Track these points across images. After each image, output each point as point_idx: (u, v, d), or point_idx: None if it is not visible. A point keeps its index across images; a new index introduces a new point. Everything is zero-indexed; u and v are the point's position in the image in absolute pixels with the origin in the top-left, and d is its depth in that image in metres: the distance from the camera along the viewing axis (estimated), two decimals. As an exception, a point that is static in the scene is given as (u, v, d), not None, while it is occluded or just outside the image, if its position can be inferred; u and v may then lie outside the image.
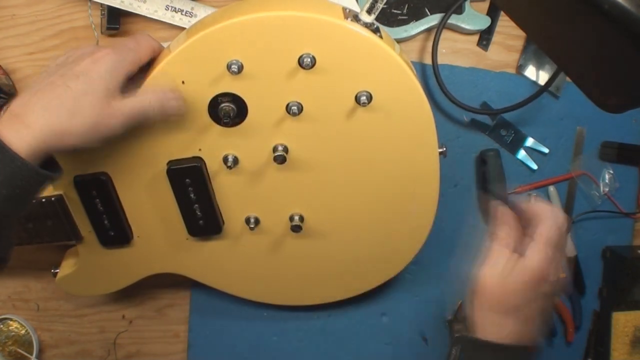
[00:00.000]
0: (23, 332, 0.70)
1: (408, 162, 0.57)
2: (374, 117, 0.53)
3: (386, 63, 0.52)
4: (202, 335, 0.72)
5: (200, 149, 0.55)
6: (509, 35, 0.72)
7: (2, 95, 0.64)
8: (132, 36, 0.52)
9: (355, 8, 0.65)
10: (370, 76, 0.52)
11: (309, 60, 0.49)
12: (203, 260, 0.62)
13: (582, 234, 0.74)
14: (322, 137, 0.55)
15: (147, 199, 0.57)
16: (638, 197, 0.74)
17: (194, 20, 0.66)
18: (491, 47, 0.72)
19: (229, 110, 0.52)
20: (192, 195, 0.57)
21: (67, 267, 0.63)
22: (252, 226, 0.58)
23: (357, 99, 0.52)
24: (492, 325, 0.48)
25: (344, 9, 0.52)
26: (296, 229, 0.58)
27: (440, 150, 0.57)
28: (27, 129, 0.42)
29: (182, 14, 0.66)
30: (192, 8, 0.66)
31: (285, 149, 0.54)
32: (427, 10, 0.70)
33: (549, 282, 0.47)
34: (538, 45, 0.59)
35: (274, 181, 0.57)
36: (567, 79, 0.71)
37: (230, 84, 0.52)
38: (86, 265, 0.61)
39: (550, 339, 0.74)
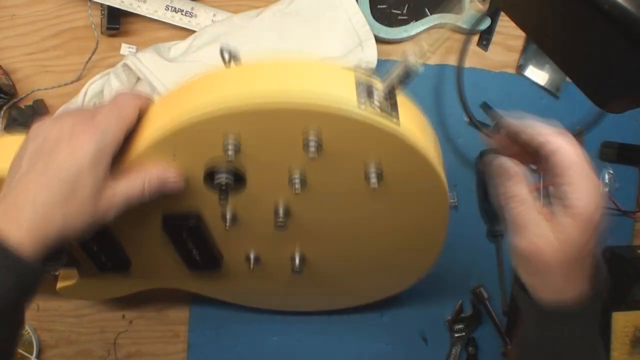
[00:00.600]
0: (23, 332, 0.70)
1: (416, 221, 0.53)
2: (383, 191, 0.48)
3: (401, 149, 0.45)
4: (202, 335, 0.72)
5: (197, 208, 0.52)
6: (509, 35, 0.72)
7: (2, 95, 0.64)
8: (113, 101, 0.44)
9: (355, 8, 0.65)
10: (383, 159, 0.45)
11: (313, 145, 0.43)
12: (203, 282, 0.63)
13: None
14: (327, 206, 0.51)
15: (144, 240, 0.55)
16: (638, 197, 0.74)
17: (194, 20, 0.66)
18: (491, 47, 0.72)
19: (225, 186, 0.47)
20: (189, 243, 0.54)
21: (66, 277, 0.63)
22: (252, 264, 0.57)
23: (366, 177, 0.46)
24: (558, 285, 0.42)
25: (357, 83, 0.44)
26: (297, 270, 0.56)
27: (452, 202, 0.52)
28: (25, 233, 0.39)
29: (182, 14, 0.66)
30: (192, 8, 0.66)
31: (287, 212, 0.50)
32: (427, 10, 0.70)
33: (600, 222, 0.41)
34: (538, 46, 0.59)
35: (274, 233, 0.53)
36: (567, 79, 0.71)
37: (226, 163, 0.46)
38: (85, 281, 0.61)
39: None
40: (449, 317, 0.73)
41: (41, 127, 0.43)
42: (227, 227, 0.50)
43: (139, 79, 0.62)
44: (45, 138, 0.42)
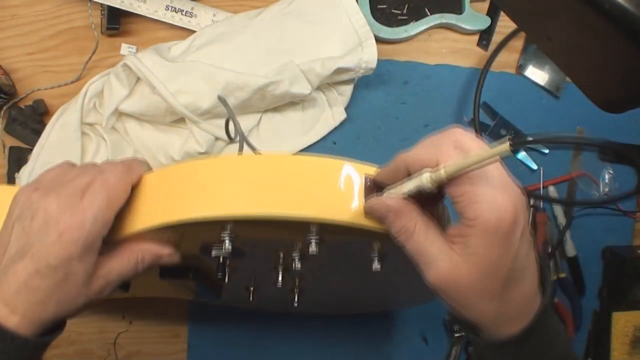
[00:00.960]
0: None
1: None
2: (385, 266, 0.45)
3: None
4: (202, 335, 0.72)
5: (195, 264, 0.51)
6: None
7: (2, 95, 0.64)
8: (102, 180, 0.41)
9: (355, 8, 0.65)
10: (386, 245, 0.43)
11: (315, 245, 0.41)
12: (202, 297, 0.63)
13: (582, 234, 0.74)
14: (327, 270, 0.50)
15: (144, 277, 0.55)
16: (638, 197, 0.74)
17: (193, 21, 0.66)
18: (491, 47, 0.72)
19: (222, 261, 0.45)
20: (187, 284, 0.54)
21: None
22: (251, 296, 0.57)
23: (368, 260, 0.45)
24: (492, 310, 0.37)
25: (364, 181, 0.40)
26: (297, 305, 0.56)
27: None
28: (20, 318, 0.39)
29: (182, 14, 0.66)
30: (192, 8, 0.66)
31: (287, 275, 0.49)
32: (427, 10, 0.70)
33: (519, 221, 0.35)
34: (538, 46, 0.60)
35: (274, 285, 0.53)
36: (567, 79, 0.71)
37: (222, 248, 0.43)
38: None
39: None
40: (449, 317, 0.73)
41: (27, 202, 0.41)
42: (226, 282, 0.48)
43: (139, 79, 0.62)
44: (32, 217, 0.40)
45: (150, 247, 0.43)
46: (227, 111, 0.51)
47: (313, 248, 0.41)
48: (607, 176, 0.73)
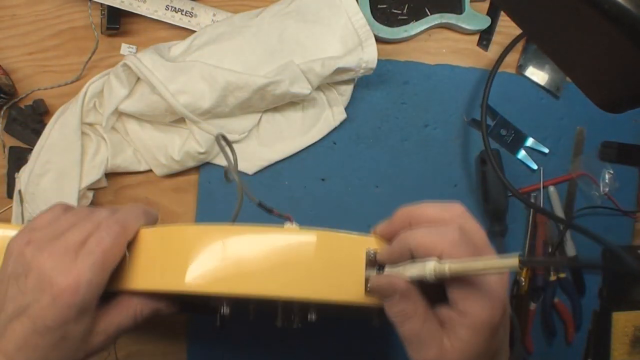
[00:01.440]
0: None
1: None
2: None
3: None
4: (202, 336, 0.72)
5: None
6: (509, 35, 0.72)
7: (2, 95, 0.64)
8: (98, 242, 0.40)
9: (355, 8, 0.65)
10: None
11: (314, 315, 0.42)
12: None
13: (582, 234, 0.74)
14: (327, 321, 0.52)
15: None
16: (638, 197, 0.74)
17: (193, 20, 0.66)
18: (491, 47, 0.72)
19: (223, 316, 0.45)
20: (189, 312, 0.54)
21: None
22: (251, 316, 0.57)
23: (368, 320, 0.45)
24: None
25: (367, 261, 0.40)
26: (297, 327, 0.56)
27: None
28: None
29: (182, 14, 0.66)
30: (192, 8, 0.66)
31: (284, 322, 0.49)
32: (427, 10, 0.70)
33: (506, 311, 0.38)
34: (538, 46, 0.59)
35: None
36: (567, 79, 0.71)
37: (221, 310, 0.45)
38: None
39: (551, 338, 0.74)
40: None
41: (20, 258, 0.40)
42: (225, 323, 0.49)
43: (138, 79, 0.62)
44: (25, 275, 0.39)
45: (148, 302, 0.44)
46: (224, 155, 0.47)
47: (312, 317, 0.42)
48: (607, 176, 0.73)
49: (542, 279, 0.72)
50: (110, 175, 0.67)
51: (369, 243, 0.41)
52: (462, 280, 0.36)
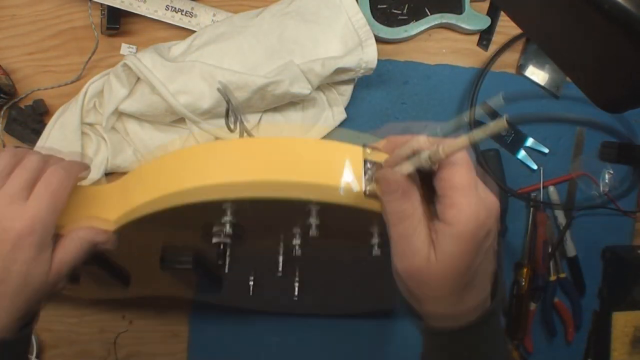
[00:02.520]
0: None
1: None
2: (385, 251, 0.45)
3: None
4: (202, 335, 0.72)
5: (196, 250, 0.51)
6: (509, 35, 0.72)
7: (2, 95, 0.64)
8: (46, 184, 0.42)
9: (355, 8, 0.65)
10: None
11: (314, 227, 0.41)
12: (203, 295, 0.63)
13: (582, 234, 0.74)
14: (328, 255, 0.50)
15: (145, 268, 0.55)
16: (638, 197, 0.74)
17: (194, 20, 0.66)
18: (491, 47, 0.72)
19: (223, 247, 0.45)
20: (187, 277, 0.54)
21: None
22: (251, 290, 0.57)
23: (368, 245, 0.45)
24: (448, 308, 0.39)
25: (365, 163, 0.40)
26: (296, 298, 0.56)
27: None
28: None
29: (182, 14, 0.66)
30: (192, 8, 0.66)
31: (287, 263, 0.49)
32: (427, 10, 0.70)
33: (491, 232, 0.38)
34: (538, 45, 0.59)
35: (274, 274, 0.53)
36: (567, 79, 0.71)
37: (223, 231, 0.44)
38: (84, 287, 0.61)
39: (551, 339, 0.74)
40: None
41: None
42: (226, 271, 0.48)
43: (138, 79, 0.62)
44: None
45: (85, 233, 0.44)
46: (225, 100, 0.50)
47: (313, 230, 0.41)
48: (607, 176, 0.73)
49: (542, 279, 0.72)
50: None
51: (366, 151, 0.41)
52: (451, 189, 0.36)
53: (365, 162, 0.40)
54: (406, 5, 0.69)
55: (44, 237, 0.41)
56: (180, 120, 0.65)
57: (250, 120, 0.67)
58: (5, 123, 0.65)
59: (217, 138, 0.64)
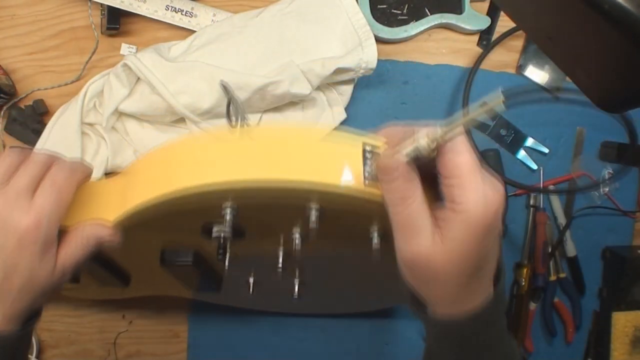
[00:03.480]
0: None
1: None
2: (385, 244, 0.45)
3: None
4: (202, 335, 0.72)
5: (196, 247, 0.51)
6: (509, 35, 0.72)
7: (2, 95, 0.64)
8: (52, 183, 0.42)
9: (355, 8, 0.65)
10: (387, 222, 0.41)
11: (315, 218, 0.41)
12: (203, 295, 0.63)
13: (582, 234, 0.74)
14: (328, 251, 0.49)
15: (145, 267, 0.55)
16: (638, 197, 0.74)
17: (194, 20, 0.66)
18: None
19: (223, 240, 0.44)
20: (187, 275, 0.54)
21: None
22: (251, 289, 0.56)
23: (368, 238, 0.44)
24: (454, 294, 0.38)
25: (364, 152, 0.40)
26: (296, 297, 0.56)
27: None
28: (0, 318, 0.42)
29: (182, 14, 0.66)
30: (192, 8, 0.66)
31: (287, 258, 0.49)
32: (427, 10, 0.70)
33: (499, 215, 0.37)
34: (538, 45, 0.60)
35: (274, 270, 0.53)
36: (567, 79, 0.71)
37: (223, 224, 0.43)
38: (85, 286, 0.61)
39: (551, 339, 0.74)
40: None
41: None
42: (226, 267, 0.48)
43: (138, 79, 0.62)
44: None
45: (91, 230, 0.45)
46: (227, 96, 0.50)
47: (313, 222, 0.40)
48: (607, 176, 0.73)
49: (542, 279, 0.72)
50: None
51: (365, 139, 0.41)
52: (459, 174, 0.36)
53: (364, 152, 0.40)
54: (406, 5, 0.69)
55: (50, 233, 0.41)
56: (180, 120, 0.65)
57: (251, 120, 0.67)
58: (5, 123, 0.65)
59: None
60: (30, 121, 0.65)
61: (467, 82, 0.70)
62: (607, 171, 0.73)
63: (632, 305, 0.72)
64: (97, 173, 0.64)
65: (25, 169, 0.43)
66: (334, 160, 0.40)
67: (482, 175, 0.36)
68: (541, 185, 0.72)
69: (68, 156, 0.61)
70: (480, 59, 0.70)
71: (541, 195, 0.72)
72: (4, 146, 0.65)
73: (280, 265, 0.49)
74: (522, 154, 0.72)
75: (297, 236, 0.45)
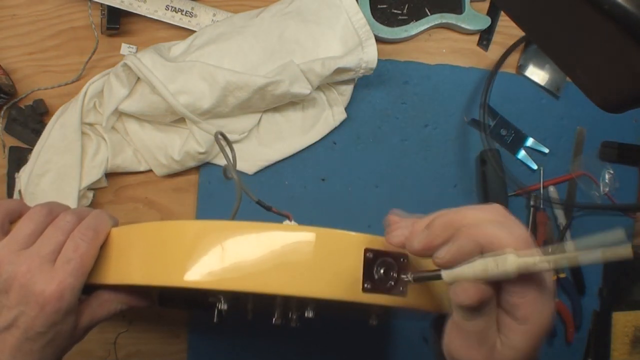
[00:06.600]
0: None
1: None
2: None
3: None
4: (202, 335, 0.72)
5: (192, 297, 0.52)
6: (509, 35, 0.72)
7: (2, 95, 0.64)
8: (75, 248, 0.42)
9: (355, 8, 0.65)
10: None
11: (312, 313, 0.42)
12: None
13: (582, 234, 0.73)
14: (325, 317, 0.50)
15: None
16: (638, 197, 0.74)
17: (194, 20, 0.66)
18: (491, 47, 0.72)
19: (221, 311, 0.46)
20: (185, 310, 0.55)
21: None
22: (249, 315, 0.56)
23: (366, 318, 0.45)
24: None
25: (366, 258, 0.39)
26: (294, 325, 0.56)
27: None
28: None
29: (182, 14, 0.66)
30: (192, 8, 0.66)
31: (282, 320, 0.49)
32: (427, 10, 0.70)
33: (549, 330, 0.37)
34: (538, 45, 0.60)
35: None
36: (567, 79, 0.72)
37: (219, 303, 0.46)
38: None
39: (551, 339, 0.74)
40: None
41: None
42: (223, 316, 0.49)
43: (139, 79, 0.62)
44: (7, 290, 0.41)
45: (125, 298, 0.47)
46: (222, 151, 0.48)
47: (310, 314, 0.42)
48: (607, 176, 0.73)
49: (542, 279, 0.72)
50: (110, 175, 0.67)
51: (368, 241, 0.40)
52: (526, 284, 0.35)
53: (365, 252, 0.39)
54: (406, 5, 0.69)
55: (72, 302, 0.42)
56: (180, 120, 0.65)
57: (250, 120, 0.67)
58: (5, 123, 0.65)
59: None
60: (30, 121, 0.65)
61: (485, 88, 0.69)
62: (607, 171, 0.73)
63: (632, 305, 0.72)
64: (97, 173, 0.64)
65: (51, 232, 0.43)
66: (333, 269, 0.39)
67: (546, 288, 0.36)
68: (541, 185, 0.72)
69: (68, 156, 0.62)
70: (499, 63, 0.70)
71: (541, 195, 0.72)
72: (4, 146, 0.65)
73: (277, 322, 0.48)
74: (522, 154, 0.72)
75: (293, 317, 0.46)
